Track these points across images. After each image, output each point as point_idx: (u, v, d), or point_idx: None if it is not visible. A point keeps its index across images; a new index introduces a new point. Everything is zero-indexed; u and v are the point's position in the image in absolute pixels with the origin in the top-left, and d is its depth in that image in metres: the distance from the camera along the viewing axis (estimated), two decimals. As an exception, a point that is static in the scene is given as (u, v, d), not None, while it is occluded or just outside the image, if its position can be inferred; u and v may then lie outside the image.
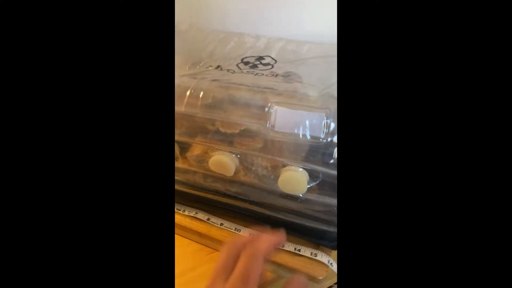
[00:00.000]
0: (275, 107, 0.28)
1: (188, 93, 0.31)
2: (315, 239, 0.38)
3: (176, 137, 0.37)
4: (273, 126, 0.28)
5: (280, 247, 0.37)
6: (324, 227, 0.36)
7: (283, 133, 0.28)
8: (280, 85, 0.31)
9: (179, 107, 0.31)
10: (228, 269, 0.22)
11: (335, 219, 0.36)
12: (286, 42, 0.45)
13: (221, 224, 0.41)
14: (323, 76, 0.37)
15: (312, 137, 0.27)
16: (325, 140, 0.27)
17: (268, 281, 0.37)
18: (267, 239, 0.23)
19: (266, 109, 0.28)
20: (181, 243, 0.42)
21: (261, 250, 0.22)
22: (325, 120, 0.26)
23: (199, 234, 0.41)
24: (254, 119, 0.30)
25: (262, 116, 0.29)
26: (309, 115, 0.26)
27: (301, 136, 0.27)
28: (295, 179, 0.32)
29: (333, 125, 0.27)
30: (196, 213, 0.43)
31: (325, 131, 0.26)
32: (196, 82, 0.31)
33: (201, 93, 0.31)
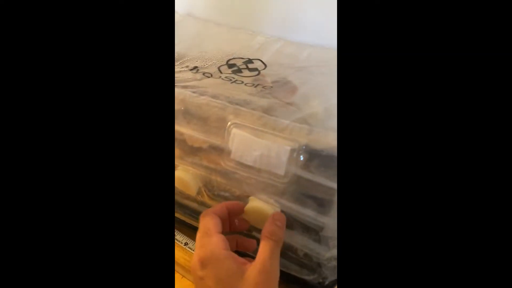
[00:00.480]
0: (234, 130, 0.22)
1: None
2: (291, 283, 0.32)
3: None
4: (228, 153, 0.23)
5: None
6: (303, 275, 0.30)
7: (238, 163, 0.22)
8: (253, 100, 0.25)
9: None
10: None
11: (313, 265, 0.31)
12: (284, 43, 0.39)
13: (186, 244, 0.36)
14: (321, 90, 0.31)
15: (269, 173, 0.21)
16: (286, 179, 0.21)
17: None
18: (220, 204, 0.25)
19: (224, 130, 0.23)
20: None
21: (210, 210, 0.24)
22: (289, 155, 0.21)
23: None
24: (213, 137, 0.25)
25: (220, 135, 0.24)
26: (271, 146, 0.21)
27: (257, 169, 0.21)
28: (261, 212, 0.27)
29: (301, 159, 0.21)
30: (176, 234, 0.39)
31: (285, 167, 0.21)
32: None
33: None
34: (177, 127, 0.28)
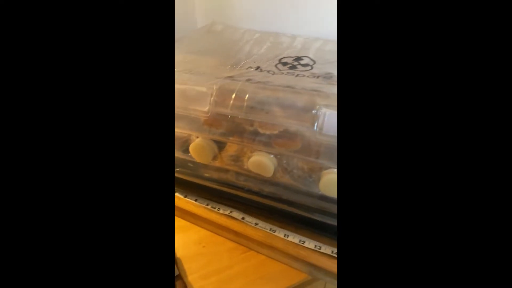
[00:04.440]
0: (324, 109, 0.27)
1: (233, 95, 0.31)
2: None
3: (216, 137, 0.37)
4: (321, 129, 0.28)
5: (317, 249, 0.37)
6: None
7: (331, 135, 0.28)
8: (325, 87, 0.31)
9: (225, 109, 0.31)
10: None
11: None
12: (323, 42, 0.44)
13: (256, 224, 0.41)
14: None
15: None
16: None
17: (306, 282, 0.37)
18: None
19: (314, 111, 0.28)
20: (216, 241, 0.42)
21: None
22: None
23: (235, 233, 0.41)
24: (298, 121, 0.30)
25: (307, 118, 0.29)
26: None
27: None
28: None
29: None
30: (231, 211, 0.43)
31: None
32: (241, 84, 0.32)
33: (247, 95, 0.31)
34: (255, 118, 0.33)
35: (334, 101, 0.28)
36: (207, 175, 0.43)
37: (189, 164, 0.43)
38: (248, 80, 0.32)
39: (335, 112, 0.27)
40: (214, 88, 0.31)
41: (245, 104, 0.31)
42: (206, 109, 0.31)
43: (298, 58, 0.41)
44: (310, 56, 0.41)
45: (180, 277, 0.37)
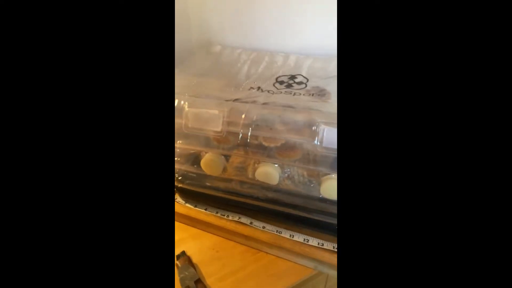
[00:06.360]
0: (322, 126, 0.32)
1: (243, 116, 0.36)
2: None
3: (224, 151, 0.41)
4: (321, 143, 0.33)
5: (320, 246, 0.42)
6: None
7: (330, 148, 0.32)
8: (321, 105, 0.36)
9: (236, 128, 0.36)
10: None
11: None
12: (313, 59, 0.49)
13: (263, 227, 0.45)
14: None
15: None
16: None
17: (310, 277, 0.42)
18: None
19: (314, 128, 0.33)
20: (228, 246, 0.46)
21: None
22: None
23: (244, 237, 0.46)
24: (299, 136, 0.35)
25: (309, 133, 0.34)
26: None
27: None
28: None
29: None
30: (240, 217, 0.47)
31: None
32: (249, 106, 0.36)
33: (255, 116, 0.35)
34: (261, 134, 0.38)
35: (330, 118, 0.33)
36: (215, 185, 0.47)
37: (199, 176, 0.47)
38: (253, 102, 0.37)
39: (332, 128, 0.32)
40: (225, 111, 0.36)
41: (253, 123, 0.35)
42: (219, 129, 0.36)
43: (292, 77, 0.45)
44: (303, 74, 0.46)
45: (200, 280, 0.41)
